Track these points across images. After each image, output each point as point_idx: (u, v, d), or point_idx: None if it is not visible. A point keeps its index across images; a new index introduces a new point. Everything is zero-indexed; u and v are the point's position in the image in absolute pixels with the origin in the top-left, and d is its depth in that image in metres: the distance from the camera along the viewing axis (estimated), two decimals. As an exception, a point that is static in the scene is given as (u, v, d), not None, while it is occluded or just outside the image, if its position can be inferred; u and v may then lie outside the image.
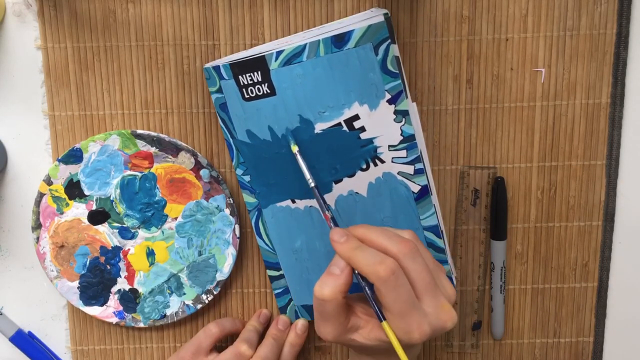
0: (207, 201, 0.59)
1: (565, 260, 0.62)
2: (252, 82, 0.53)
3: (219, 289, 0.60)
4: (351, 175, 0.56)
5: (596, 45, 0.58)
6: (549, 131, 0.59)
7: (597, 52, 0.58)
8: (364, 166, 0.55)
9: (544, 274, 0.62)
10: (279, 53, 0.52)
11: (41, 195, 0.59)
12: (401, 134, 0.54)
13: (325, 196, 0.56)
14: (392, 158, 0.55)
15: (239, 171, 0.57)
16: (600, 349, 0.63)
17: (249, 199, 0.57)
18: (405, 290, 0.47)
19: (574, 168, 0.60)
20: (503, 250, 0.61)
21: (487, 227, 0.61)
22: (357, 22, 0.53)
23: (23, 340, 0.62)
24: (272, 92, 0.53)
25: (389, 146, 0.54)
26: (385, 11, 0.53)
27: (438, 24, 0.57)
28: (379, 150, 0.54)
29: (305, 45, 0.52)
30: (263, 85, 0.53)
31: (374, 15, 0.52)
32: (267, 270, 0.60)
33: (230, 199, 0.59)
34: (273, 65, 0.52)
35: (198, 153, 0.58)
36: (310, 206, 0.57)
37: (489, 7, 0.57)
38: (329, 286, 0.48)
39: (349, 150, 0.55)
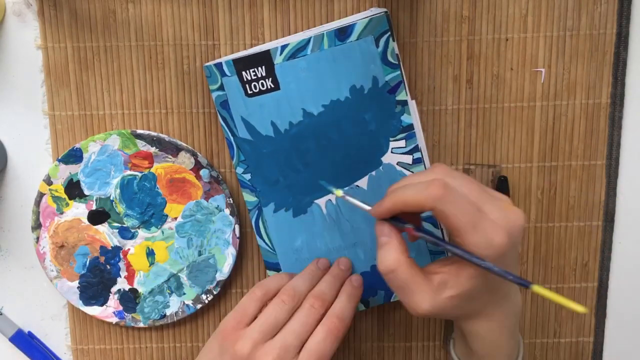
0: (207, 201, 0.59)
1: (565, 260, 0.62)
2: (255, 77, 0.53)
3: (219, 289, 0.60)
4: None
5: (596, 45, 0.58)
6: (549, 131, 0.59)
7: (597, 52, 0.58)
8: None
9: (544, 274, 0.62)
10: (283, 47, 0.53)
11: (41, 195, 0.59)
12: (400, 124, 0.55)
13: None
14: (392, 148, 0.55)
15: (239, 169, 0.57)
16: (600, 349, 0.63)
17: (249, 197, 0.57)
18: (466, 201, 0.45)
19: (574, 168, 0.60)
20: (503, 250, 0.61)
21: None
22: (358, 19, 0.53)
23: (23, 340, 0.62)
24: (276, 86, 0.53)
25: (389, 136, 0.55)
26: (385, 10, 0.54)
27: (438, 24, 0.57)
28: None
29: (310, 38, 0.53)
30: (267, 80, 0.53)
31: (374, 14, 0.53)
32: (267, 271, 0.60)
33: (230, 199, 0.59)
34: (278, 59, 0.53)
35: (198, 153, 0.58)
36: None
37: (489, 7, 0.57)
38: (388, 255, 0.47)
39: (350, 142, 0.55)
